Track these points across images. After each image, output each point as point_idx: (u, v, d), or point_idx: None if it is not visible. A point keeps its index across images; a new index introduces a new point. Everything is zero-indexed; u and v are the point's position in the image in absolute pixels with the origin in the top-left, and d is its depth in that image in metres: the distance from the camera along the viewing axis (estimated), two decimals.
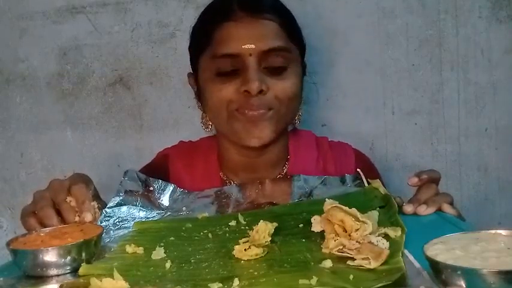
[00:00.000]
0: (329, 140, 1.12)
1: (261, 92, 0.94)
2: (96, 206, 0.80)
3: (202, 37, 1.01)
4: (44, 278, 0.65)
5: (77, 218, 0.78)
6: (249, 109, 0.95)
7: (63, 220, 0.78)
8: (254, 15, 0.96)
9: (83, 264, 0.66)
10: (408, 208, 0.83)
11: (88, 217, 0.77)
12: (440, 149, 1.27)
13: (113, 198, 0.90)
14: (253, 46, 0.94)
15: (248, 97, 0.94)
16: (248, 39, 0.94)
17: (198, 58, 1.02)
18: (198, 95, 1.05)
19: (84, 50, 1.31)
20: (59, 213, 0.78)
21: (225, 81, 0.96)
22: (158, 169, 1.06)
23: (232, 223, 0.82)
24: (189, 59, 1.05)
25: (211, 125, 1.05)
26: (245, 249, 0.67)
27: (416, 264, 0.58)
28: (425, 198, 0.84)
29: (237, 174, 1.05)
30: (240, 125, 0.97)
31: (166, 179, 1.02)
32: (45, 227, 0.76)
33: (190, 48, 1.05)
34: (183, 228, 0.82)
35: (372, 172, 1.02)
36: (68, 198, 0.79)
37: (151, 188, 0.96)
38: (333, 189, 0.94)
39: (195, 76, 1.05)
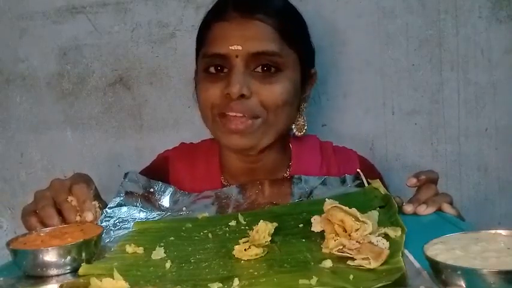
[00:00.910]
0: (333, 144, 1.10)
1: (243, 96, 0.91)
2: (97, 205, 0.80)
3: (199, 35, 1.01)
4: (44, 278, 0.65)
5: (78, 218, 0.78)
6: (229, 112, 0.92)
7: (64, 220, 0.78)
8: (247, 16, 0.93)
9: (83, 264, 0.66)
10: (408, 208, 0.83)
11: (89, 217, 0.77)
12: (440, 149, 1.27)
13: (114, 199, 0.90)
14: (240, 47, 0.91)
15: (229, 100, 0.92)
16: (236, 40, 0.92)
17: (197, 56, 1.02)
18: (196, 93, 1.04)
19: (84, 50, 1.31)
20: (60, 212, 0.78)
21: (212, 82, 0.94)
22: (158, 171, 1.05)
23: (232, 223, 0.82)
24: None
25: None
26: (245, 249, 0.67)
27: (416, 264, 0.58)
28: (425, 198, 0.84)
29: (237, 179, 1.02)
30: (224, 136, 0.95)
31: (167, 181, 1.01)
32: (46, 227, 0.76)
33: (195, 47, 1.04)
34: (183, 228, 0.82)
35: (375, 177, 1.00)
36: (69, 198, 0.79)
37: (151, 190, 0.96)
38: (333, 190, 0.94)
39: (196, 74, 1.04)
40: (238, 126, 0.93)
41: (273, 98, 0.93)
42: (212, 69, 0.95)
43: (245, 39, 0.92)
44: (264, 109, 0.94)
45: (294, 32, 0.98)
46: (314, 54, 1.05)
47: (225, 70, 0.94)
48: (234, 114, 0.92)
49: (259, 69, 0.93)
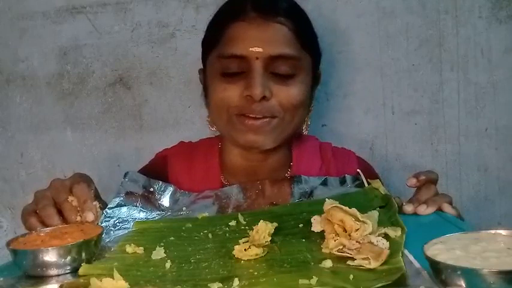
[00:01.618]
0: (332, 145, 1.10)
1: (264, 98, 0.92)
2: (98, 205, 0.80)
3: (213, 34, 0.99)
4: (44, 278, 0.65)
5: (78, 218, 0.77)
6: (250, 114, 0.93)
7: (64, 220, 0.78)
8: (266, 18, 0.93)
9: (83, 264, 0.66)
10: (408, 208, 0.83)
11: (90, 216, 0.77)
12: (440, 149, 1.27)
13: (113, 199, 0.90)
14: (260, 50, 0.91)
15: (250, 102, 0.92)
16: (257, 41, 0.92)
17: (207, 55, 1.00)
18: (205, 92, 1.03)
19: (84, 50, 1.31)
20: (60, 212, 0.78)
21: (229, 82, 0.94)
22: (156, 170, 1.05)
23: (232, 223, 0.82)
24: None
25: None
26: (245, 249, 0.67)
27: (416, 264, 0.58)
28: (425, 198, 0.84)
29: (238, 178, 1.02)
30: (239, 134, 0.95)
31: (165, 181, 1.01)
32: (46, 227, 0.76)
33: (202, 43, 1.03)
34: (183, 228, 0.82)
35: (373, 178, 1.00)
36: (70, 198, 0.79)
37: (151, 189, 0.96)
38: (333, 190, 0.94)
39: (204, 72, 1.03)
40: (255, 123, 0.94)
41: (290, 100, 0.94)
42: (228, 70, 0.94)
43: (265, 41, 0.92)
44: (281, 109, 0.95)
45: (309, 35, 0.99)
46: (321, 57, 1.05)
47: (242, 71, 0.93)
48: (254, 115, 0.93)
49: (277, 71, 0.94)
